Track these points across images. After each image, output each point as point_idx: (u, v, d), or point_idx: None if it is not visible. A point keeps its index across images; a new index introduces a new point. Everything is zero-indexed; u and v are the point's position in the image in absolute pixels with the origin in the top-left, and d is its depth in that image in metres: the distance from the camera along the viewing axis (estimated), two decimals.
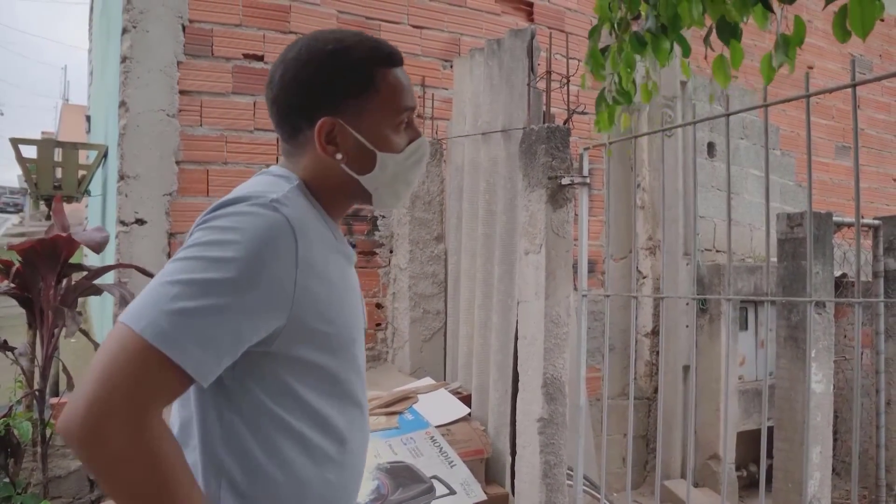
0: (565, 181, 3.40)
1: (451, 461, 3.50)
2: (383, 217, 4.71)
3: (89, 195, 5.21)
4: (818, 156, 7.11)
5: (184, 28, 4.09)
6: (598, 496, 3.81)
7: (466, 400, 4.07)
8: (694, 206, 3.24)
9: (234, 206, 1.09)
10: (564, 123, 3.50)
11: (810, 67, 7.23)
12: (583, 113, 3.73)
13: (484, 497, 3.42)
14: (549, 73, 3.62)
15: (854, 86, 2.46)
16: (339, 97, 1.23)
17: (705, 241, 6.16)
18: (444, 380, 4.48)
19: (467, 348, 4.25)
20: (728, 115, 2.95)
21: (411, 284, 4.60)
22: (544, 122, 3.63)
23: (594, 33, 2.41)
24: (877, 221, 5.13)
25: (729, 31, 1.91)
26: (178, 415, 1.18)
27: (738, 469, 5.59)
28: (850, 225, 5.07)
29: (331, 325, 1.16)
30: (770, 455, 4.32)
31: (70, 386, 3.41)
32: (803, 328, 4.63)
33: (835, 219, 4.83)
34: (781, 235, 4.67)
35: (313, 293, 1.12)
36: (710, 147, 6.10)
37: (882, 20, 1.65)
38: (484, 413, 3.97)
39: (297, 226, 1.09)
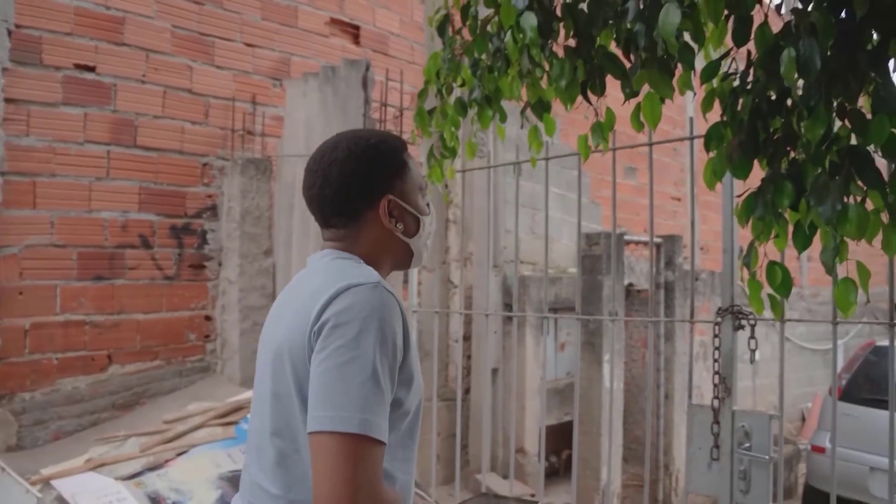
0: None
1: None
2: (213, 231, 4.79)
3: None
4: (609, 175, 7.88)
5: (9, 32, 3.97)
6: (423, 495, 4.15)
7: None
8: (517, 223, 3.65)
9: (350, 293, 1.32)
10: None
11: None
12: (412, 143, 4.05)
13: None
14: (384, 105, 3.92)
15: (651, 145, 2.98)
16: (389, 180, 1.50)
17: (512, 253, 6.69)
18: None
19: None
20: (547, 158, 3.40)
21: (241, 297, 4.72)
22: None
23: (422, 95, 2.74)
24: (659, 240, 5.89)
25: (543, 109, 2.31)
26: (271, 445, 1.39)
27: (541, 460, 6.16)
28: (637, 242, 5.81)
29: (415, 371, 1.41)
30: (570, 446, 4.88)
31: None
32: (599, 334, 5.26)
33: (625, 237, 5.52)
34: (582, 252, 5.27)
35: (408, 345, 1.37)
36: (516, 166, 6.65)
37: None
38: None
39: (397, 297, 1.36)
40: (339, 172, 1.47)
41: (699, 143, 2.89)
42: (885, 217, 1.65)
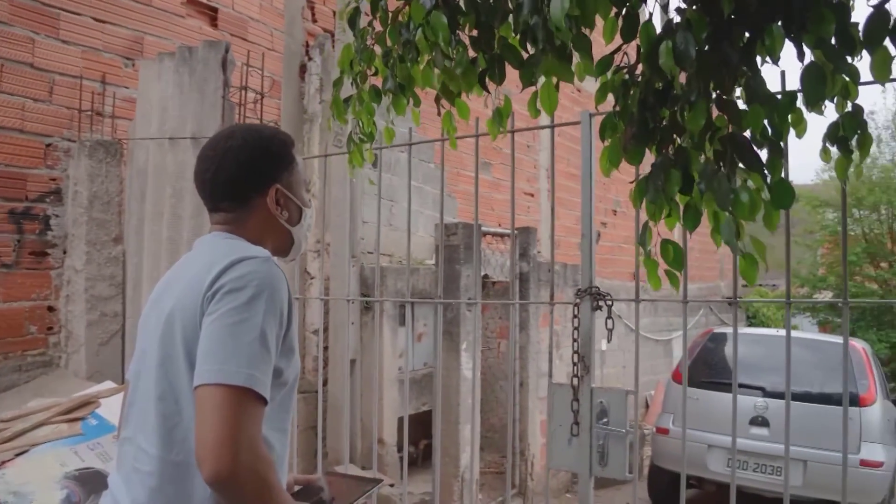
0: None
1: None
2: (57, 216, 4.51)
3: None
4: (466, 169, 8.02)
5: None
6: None
7: None
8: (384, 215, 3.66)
9: (244, 264, 1.43)
10: None
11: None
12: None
13: None
14: (244, 88, 3.82)
15: (513, 132, 3.07)
16: (278, 171, 1.63)
17: (370, 244, 6.70)
18: (124, 382, 4.43)
19: None
20: (410, 144, 3.44)
21: (88, 286, 4.48)
22: None
23: (338, 84, 2.78)
24: (514, 231, 6.07)
25: (454, 95, 2.39)
26: (155, 410, 1.45)
27: (400, 450, 6.22)
28: (493, 234, 5.97)
29: (295, 345, 1.54)
30: (430, 435, 4.95)
31: None
32: (457, 323, 5.36)
33: (483, 228, 5.64)
34: (440, 243, 5.35)
35: (291, 318, 1.49)
36: (375, 158, 6.65)
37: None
38: None
39: (284, 273, 1.48)
40: (234, 160, 1.57)
41: (558, 131, 3.07)
42: (765, 196, 1.85)
